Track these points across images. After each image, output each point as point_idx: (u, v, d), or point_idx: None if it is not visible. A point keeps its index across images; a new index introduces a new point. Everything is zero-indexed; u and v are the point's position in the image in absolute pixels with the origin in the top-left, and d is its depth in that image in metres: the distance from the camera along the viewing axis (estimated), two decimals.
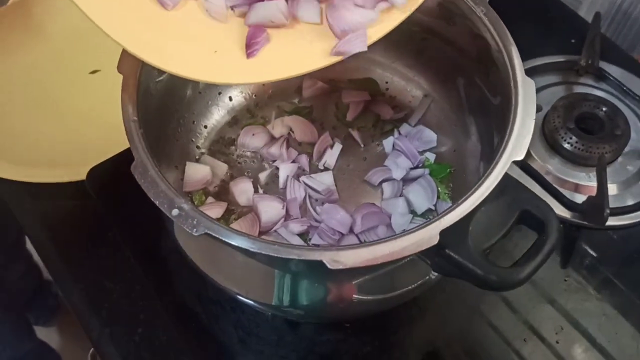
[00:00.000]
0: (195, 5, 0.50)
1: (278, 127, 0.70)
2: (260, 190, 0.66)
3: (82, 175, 0.69)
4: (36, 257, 1.14)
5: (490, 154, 0.52)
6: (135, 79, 0.51)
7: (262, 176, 0.67)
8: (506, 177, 0.46)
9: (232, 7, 0.50)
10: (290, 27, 0.50)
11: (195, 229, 0.43)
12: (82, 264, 0.67)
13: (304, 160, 0.67)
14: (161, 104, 0.58)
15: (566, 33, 0.84)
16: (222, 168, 0.67)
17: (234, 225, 0.61)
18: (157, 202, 0.44)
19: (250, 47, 0.48)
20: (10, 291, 1.19)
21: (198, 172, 0.64)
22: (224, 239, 0.43)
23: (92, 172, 0.68)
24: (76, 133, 0.77)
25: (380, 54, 0.70)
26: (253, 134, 0.69)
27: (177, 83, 0.62)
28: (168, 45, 0.48)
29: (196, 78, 0.49)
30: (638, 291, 0.64)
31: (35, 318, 1.30)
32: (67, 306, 0.66)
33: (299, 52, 0.49)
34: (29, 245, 1.12)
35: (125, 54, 0.52)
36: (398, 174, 0.65)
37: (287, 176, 0.65)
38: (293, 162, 0.67)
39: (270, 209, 0.62)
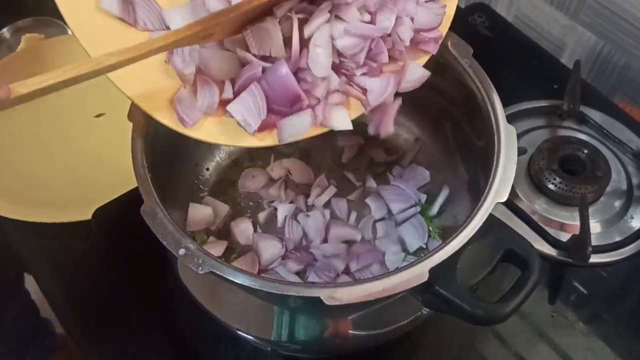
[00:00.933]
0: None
1: (277, 170, 0.73)
2: (259, 230, 0.69)
3: (87, 216, 0.71)
4: (34, 295, 1.16)
5: (477, 193, 0.56)
6: (144, 127, 0.54)
7: (261, 216, 0.70)
8: (491, 218, 0.50)
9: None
10: None
11: (200, 268, 0.46)
12: (86, 301, 0.69)
13: (301, 201, 0.70)
14: (167, 148, 0.61)
15: (549, 79, 0.88)
16: (224, 208, 0.70)
17: (235, 264, 0.64)
18: (165, 243, 0.47)
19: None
20: (7, 329, 1.19)
21: (200, 213, 0.67)
22: (227, 277, 0.45)
23: (98, 212, 0.70)
24: (82, 174, 0.80)
25: None
26: (253, 176, 0.72)
27: None
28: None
29: (217, 142, 0.52)
30: (622, 325, 0.67)
31: (32, 358, 1.30)
32: (70, 342, 0.68)
33: None
34: (27, 284, 1.14)
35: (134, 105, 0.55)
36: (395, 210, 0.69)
37: (285, 216, 0.68)
38: (291, 202, 0.70)
39: (270, 248, 0.64)
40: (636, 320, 0.67)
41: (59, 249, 0.73)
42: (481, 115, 0.58)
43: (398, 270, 0.46)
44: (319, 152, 0.75)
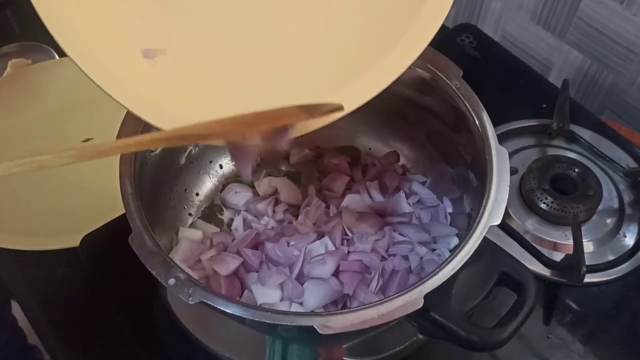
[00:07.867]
0: None
1: (264, 186, 0.72)
2: None
3: (75, 243, 0.69)
4: (21, 322, 1.14)
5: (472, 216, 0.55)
6: (132, 152, 0.54)
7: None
8: (485, 242, 0.49)
9: None
10: None
11: (190, 298, 0.45)
12: (73, 330, 0.67)
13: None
14: (155, 174, 0.60)
15: (538, 98, 0.88)
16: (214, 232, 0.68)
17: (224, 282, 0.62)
18: (154, 272, 0.46)
19: None
20: None
21: (191, 237, 0.66)
22: (218, 307, 0.44)
23: (86, 239, 0.69)
24: (69, 201, 0.78)
25: (363, 122, 0.74)
26: (235, 192, 0.71)
27: (170, 154, 0.65)
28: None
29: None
30: (618, 345, 0.66)
31: None
32: None
33: None
34: (14, 310, 1.12)
35: (122, 129, 0.54)
36: None
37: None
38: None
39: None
40: (632, 339, 0.67)
41: (45, 277, 0.71)
42: (472, 136, 0.58)
43: (392, 297, 0.45)
44: (308, 174, 0.75)
